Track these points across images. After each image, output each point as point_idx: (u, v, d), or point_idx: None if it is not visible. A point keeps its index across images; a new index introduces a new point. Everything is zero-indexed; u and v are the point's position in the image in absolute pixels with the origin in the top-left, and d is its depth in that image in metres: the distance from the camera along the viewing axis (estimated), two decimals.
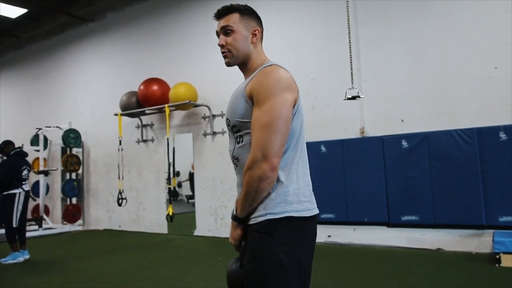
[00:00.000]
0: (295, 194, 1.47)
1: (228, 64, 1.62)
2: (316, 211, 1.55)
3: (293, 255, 1.43)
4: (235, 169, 1.59)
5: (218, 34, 1.63)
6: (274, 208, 1.44)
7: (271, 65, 1.53)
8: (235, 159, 1.56)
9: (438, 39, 5.46)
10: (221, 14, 1.61)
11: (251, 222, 1.48)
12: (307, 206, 1.50)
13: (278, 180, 1.45)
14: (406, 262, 4.80)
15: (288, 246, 1.43)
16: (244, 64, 1.62)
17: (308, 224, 1.50)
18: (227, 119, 1.58)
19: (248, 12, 1.61)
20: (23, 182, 5.79)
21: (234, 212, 1.55)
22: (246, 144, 1.50)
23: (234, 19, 1.58)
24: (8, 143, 6.01)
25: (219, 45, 1.61)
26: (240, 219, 1.51)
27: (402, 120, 5.64)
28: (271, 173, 1.39)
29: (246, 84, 1.53)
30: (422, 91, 5.52)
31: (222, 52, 1.61)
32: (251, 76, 1.55)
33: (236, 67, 1.66)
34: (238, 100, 1.52)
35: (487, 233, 4.91)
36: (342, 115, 6.06)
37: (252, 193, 1.42)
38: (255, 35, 1.60)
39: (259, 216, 1.45)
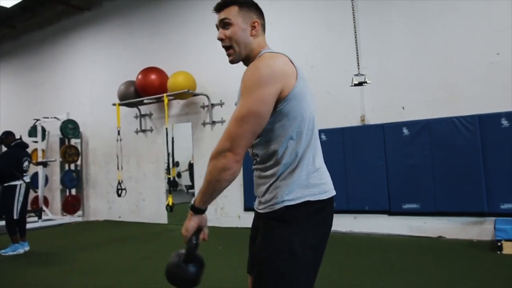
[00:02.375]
0: (311, 177, 1.47)
1: (232, 62, 1.59)
2: (333, 192, 1.55)
3: (307, 244, 1.43)
4: (254, 164, 1.57)
5: (218, 27, 1.60)
6: (290, 194, 1.43)
7: (263, 54, 1.50)
8: (255, 156, 1.55)
9: (439, 24, 5.38)
10: (220, 7, 1.58)
11: (267, 210, 1.46)
12: (324, 189, 1.50)
13: (293, 165, 1.45)
14: (407, 250, 4.79)
15: (303, 234, 1.42)
16: (247, 59, 1.58)
17: (325, 207, 1.50)
18: None
19: (247, 5, 1.58)
20: (24, 174, 5.76)
21: (192, 202, 1.49)
22: (262, 140, 1.49)
23: (233, 12, 1.55)
24: (9, 134, 5.98)
25: (218, 38, 1.58)
26: (197, 209, 1.46)
27: (403, 108, 5.58)
28: (235, 164, 1.38)
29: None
30: (423, 78, 5.45)
31: (224, 47, 1.58)
32: None
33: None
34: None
35: (488, 220, 4.89)
36: (342, 103, 6.00)
37: (213, 183, 1.40)
38: (254, 27, 1.57)
39: (276, 203, 1.44)
